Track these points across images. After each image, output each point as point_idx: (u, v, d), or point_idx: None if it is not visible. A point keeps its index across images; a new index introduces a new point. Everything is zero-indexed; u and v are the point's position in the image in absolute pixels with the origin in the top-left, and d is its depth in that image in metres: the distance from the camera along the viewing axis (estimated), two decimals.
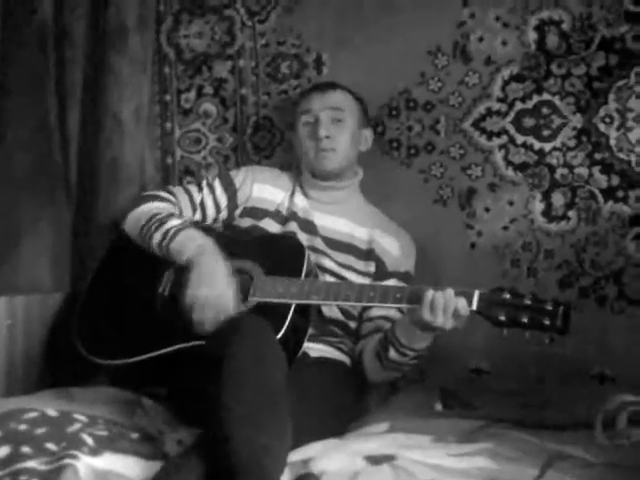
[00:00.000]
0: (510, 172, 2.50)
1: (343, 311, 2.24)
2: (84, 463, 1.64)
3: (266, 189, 2.38)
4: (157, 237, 2.14)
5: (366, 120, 2.45)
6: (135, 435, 1.86)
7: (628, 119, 2.40)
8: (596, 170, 2.43)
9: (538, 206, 2.48)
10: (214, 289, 2.00)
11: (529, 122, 2.49)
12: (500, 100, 2.51)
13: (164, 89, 2.75)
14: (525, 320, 1.85)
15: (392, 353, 2.09)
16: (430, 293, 1.92)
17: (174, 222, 2.16)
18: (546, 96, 2.47)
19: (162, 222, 2.16)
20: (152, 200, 2.29)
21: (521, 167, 2.49)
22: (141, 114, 2.62)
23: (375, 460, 1.75)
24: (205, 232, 2.16)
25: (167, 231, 2.13)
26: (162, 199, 2.31)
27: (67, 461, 1.62)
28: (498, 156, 2.51)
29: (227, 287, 2.03)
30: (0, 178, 2.34)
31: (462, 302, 1.90)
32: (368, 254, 2.32)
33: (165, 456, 1.77)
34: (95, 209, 2.56)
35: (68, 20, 2.56)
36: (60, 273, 2.44)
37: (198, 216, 2.35)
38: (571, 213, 2.45)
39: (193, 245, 2.09)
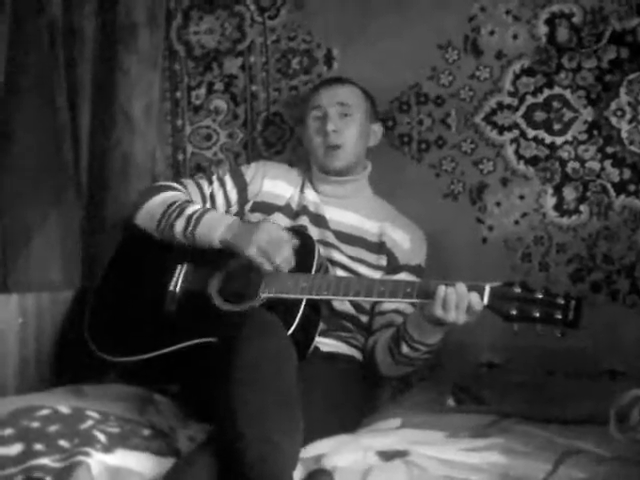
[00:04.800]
0: (521, 166, 2.49)
1: (355, 305, 2.24)
2: (96, 460, 1.65)
3: (276, 184, 2.37)
4: (180, 224, 2.14)
5: (375, 115, 2.44)
6: (147, 432, 1.86)
7: (639, 112, 2.39)
8: (608, 164, 2.42)
9: (550, 200, 2.47)
10: (266, 233, 2.04)
11: (540, 116, 2.48)
12: (511, 94, 2.50)
13: (174, 86, 2.76)
14: (536, 314, 1.82)
15: (404, 348, 2.08)
16: (442, 289, 1.90)
17: (194, 207, 2.16)
18: (557, 90, 2.46)
19: (182, 209, 2.15)
20: (164, 190, 2.29)
21: (532, 161, 2.48)
22: (152, 111, 2.63)
23: (387, 456, 1.75)
24: None
25: (190, 217, 2.13)
26: (173, 188, 2.31)
27: (80, 458, 1.63)
28: (509, 150, 2.50)
29: (275, 227, 2.08)
30: (10, 177, 2.34)
31: (475, 297, 1.88)
32: (379, 247, 2.31)
33: (177, 452, 1.77)
34: (106, 206, 2.57)
35: (77, 18, 2.57)
36: (71, 271, 2.45)
37: None
38: (583, 207, 2.44)
39: (222, 225, 2.10)
